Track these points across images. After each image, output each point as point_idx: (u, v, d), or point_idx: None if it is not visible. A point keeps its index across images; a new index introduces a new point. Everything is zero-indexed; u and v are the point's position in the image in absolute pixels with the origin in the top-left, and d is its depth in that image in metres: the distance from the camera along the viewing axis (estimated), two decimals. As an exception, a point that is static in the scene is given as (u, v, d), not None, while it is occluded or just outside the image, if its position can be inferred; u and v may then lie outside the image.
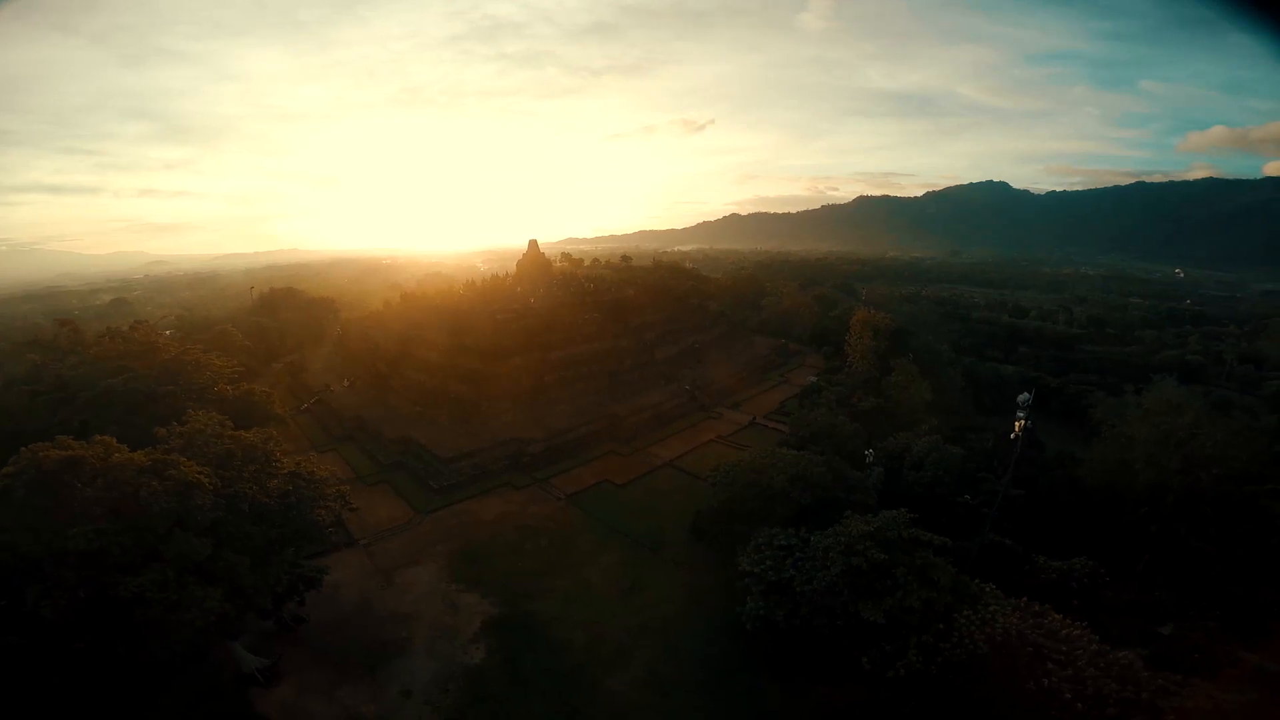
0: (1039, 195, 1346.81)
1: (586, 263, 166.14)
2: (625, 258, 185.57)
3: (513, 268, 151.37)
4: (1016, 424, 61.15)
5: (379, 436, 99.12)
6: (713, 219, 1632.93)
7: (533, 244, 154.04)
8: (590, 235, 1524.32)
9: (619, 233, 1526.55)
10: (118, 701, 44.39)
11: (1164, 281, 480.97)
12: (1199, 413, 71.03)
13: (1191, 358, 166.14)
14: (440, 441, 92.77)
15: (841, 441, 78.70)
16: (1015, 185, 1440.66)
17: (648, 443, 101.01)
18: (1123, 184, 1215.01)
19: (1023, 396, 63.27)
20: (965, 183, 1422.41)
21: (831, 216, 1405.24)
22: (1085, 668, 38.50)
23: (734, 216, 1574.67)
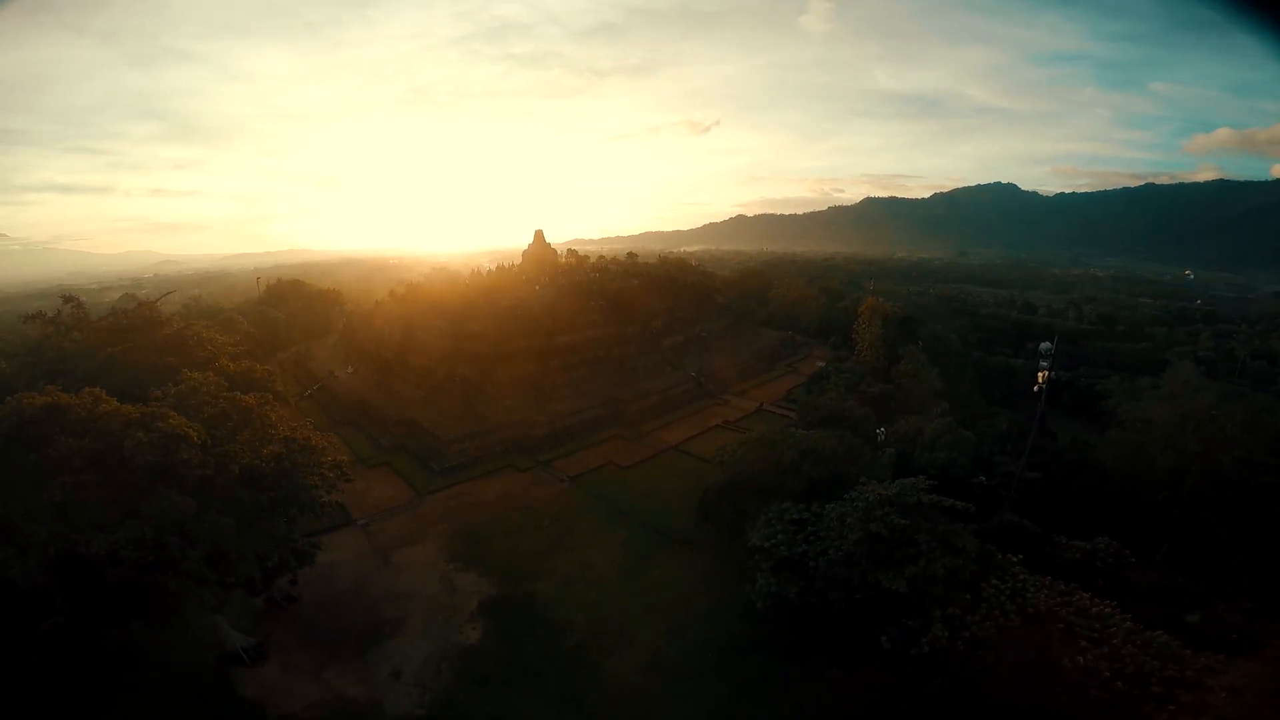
0: (1047, 197, 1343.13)
1: (592, 259, 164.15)
2: (631, 254, 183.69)
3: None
4: (1040, 375, 59.21)
5: (382, 420, 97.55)
6: (718, 220, 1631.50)
7: (539, 235, 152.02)
8: (596, 236, 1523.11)
9: (625, 234, 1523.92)
10: (95, 681, 42.22)
11: (1174, 283, 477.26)
12: (1218, 394, 68.78)
13: (1203, 354, 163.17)
14: (443, 424, 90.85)
15: (852, 425, 76.54)
16: (1024, 187, 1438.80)
17: (653, 427, 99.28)
18: (1132, 186, 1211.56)
19: (1044, 345, 61.29)
20: (972, 184, 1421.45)
21: (838, 218, 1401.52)
22: (1122, 645, 36.24)
23: (740, 218, 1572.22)
